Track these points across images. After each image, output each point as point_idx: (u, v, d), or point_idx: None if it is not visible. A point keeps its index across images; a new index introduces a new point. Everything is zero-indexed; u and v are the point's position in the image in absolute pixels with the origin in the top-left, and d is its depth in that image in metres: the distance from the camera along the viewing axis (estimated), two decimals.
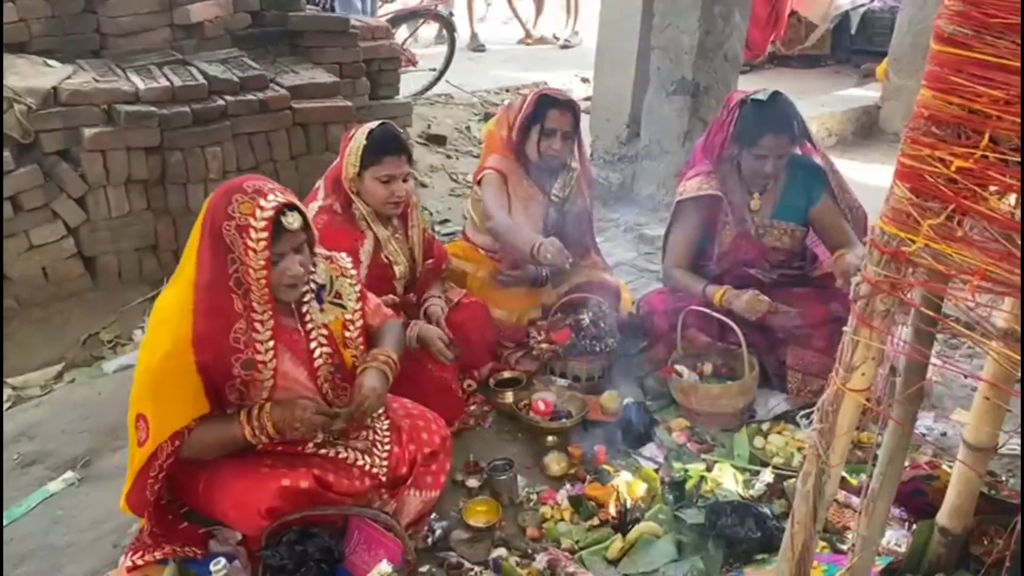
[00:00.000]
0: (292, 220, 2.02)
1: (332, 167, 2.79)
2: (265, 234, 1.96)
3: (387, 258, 2.80)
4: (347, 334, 2.27)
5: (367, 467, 2.24)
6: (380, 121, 2.82)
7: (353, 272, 2.35)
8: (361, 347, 2.30)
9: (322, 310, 2.23)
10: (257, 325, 2.04)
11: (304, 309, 2.20)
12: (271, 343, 2.07)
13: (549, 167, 3.26)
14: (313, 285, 2.21)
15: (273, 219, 1.98)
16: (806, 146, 3.08)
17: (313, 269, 2.20)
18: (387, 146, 2.68)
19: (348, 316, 2.28)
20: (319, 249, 2.25)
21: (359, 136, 2.71)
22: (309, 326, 2.20)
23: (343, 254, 2.38)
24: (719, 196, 2.99)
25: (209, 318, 1.99)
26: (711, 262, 3.10)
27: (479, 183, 3.29)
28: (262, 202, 1.98)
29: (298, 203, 2.08)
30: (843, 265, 2.82)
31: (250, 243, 1.96)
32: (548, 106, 3.12)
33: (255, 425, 2.07)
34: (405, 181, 2.75)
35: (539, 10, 9.74)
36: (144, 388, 2.01)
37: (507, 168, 3.24)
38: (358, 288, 2.34)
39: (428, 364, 2.77)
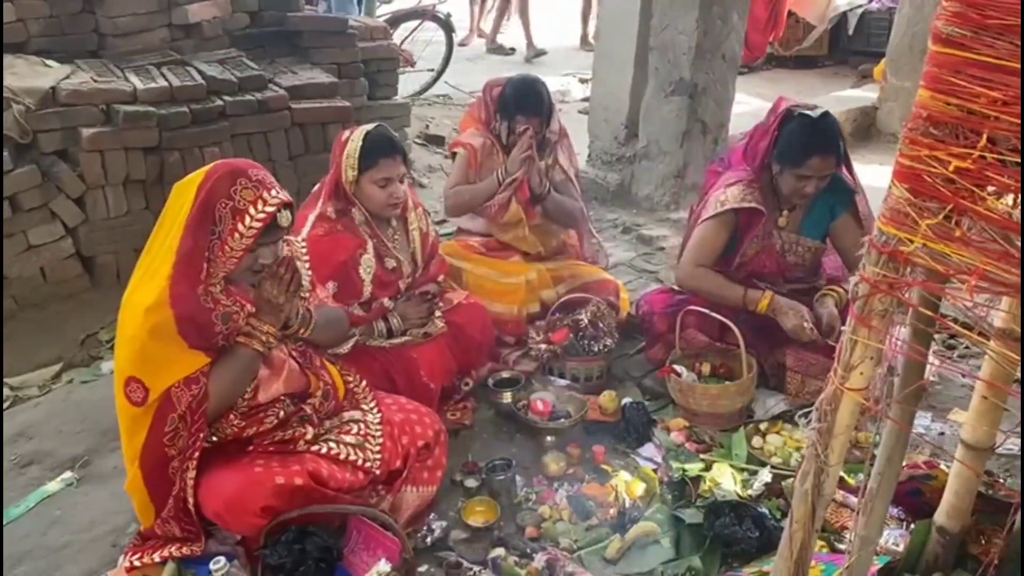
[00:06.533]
0: (286, 218, 2.08)
1: (330, 174, 2.77)
2: (260, 225, 2.02)
3: (393, 260, 2.81)
4: None
5: (360, 461, 2.25)
6: (374, 123, 2.82)
7: (307, 258, 2.39)
8: None
9: None
10: (212, 289, 2.07)
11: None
12: (228, 298, 2.10)
13: None
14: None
15: (272, 215, 2.02)
16: (841, 169, 2.97)
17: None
18: (382, 148, 2.70)
19: (302, 295, 2.29)
20: None
21: (355, 139, 2.71)
22: None
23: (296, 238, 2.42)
24: (761, 211, 2.92)
25: (184, 279, 2.01)
26: (728, 269, 3.05)
27: (453, 156, 3.46)
28: (266, 195, 2.03)
29: (292, 202, 2.13)
30: (819, 313, 2.88)
31: (241, 228, 2.01)
32: (516, 111, 3.27)
33: (254, 335, 2.09)
34: (401, 182, 2.76)
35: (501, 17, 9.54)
36: (133, 352, 2.01)
37: (480, 143, 3.36)
38: (311, 274, 2.39)
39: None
